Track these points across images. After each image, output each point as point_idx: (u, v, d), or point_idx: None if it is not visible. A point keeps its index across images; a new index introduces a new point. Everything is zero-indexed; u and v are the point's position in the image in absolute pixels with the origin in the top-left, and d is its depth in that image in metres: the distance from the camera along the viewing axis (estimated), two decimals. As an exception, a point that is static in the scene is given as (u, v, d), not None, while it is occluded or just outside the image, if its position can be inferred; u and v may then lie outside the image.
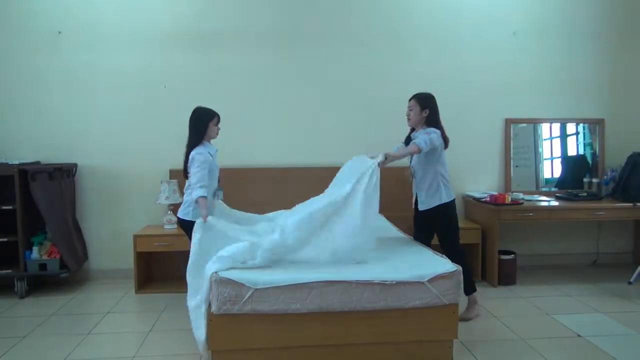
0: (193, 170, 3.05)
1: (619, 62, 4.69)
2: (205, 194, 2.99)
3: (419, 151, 3.11)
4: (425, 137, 3.13)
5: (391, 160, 3.07)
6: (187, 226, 3.11)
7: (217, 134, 3.28)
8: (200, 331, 2.62)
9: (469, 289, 3.35)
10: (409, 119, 3.36)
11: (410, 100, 3.35)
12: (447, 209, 3.31)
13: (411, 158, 3.40)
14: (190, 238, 3.08)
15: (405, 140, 3.47)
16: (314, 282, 2.56)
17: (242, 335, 2.58)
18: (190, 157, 3.09)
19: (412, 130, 3.41)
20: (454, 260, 3.00)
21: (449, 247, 3.32)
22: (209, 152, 3.14)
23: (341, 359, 2.68)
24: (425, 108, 3.24)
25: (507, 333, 3.19)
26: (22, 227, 3.84)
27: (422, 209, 3.34)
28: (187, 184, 3.16)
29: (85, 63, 4.24)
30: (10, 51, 4.18)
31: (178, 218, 3.20)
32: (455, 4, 4.51)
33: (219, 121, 3.24)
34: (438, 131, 3.21)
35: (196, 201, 2.99)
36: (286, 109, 4.44)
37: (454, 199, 3.34)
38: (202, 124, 3.17)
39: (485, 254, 4.21)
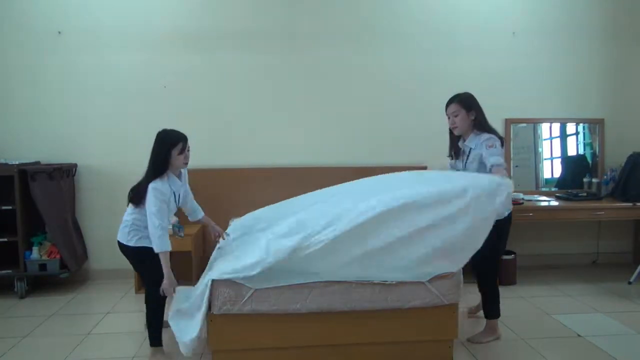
0: (150, 210, 2.64)
1: (619, 62, 4.69)
2: (169, 248, 2.65)
3: (504, 168, 2.78)
4: (492, 151, 2.78)
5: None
6: (127, 252, 2.83)
7: (186, 162, 2.82)
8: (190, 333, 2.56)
9: (492, 313, 3.05)
10: (455, 127, 2.96)
11: (449, 105, 2.98)
12: (508, 219, 2.91)
13: (465, 164, 3.02)
14: (132, 264, 2.92)
15: (454, 152, 3.11)
16: (314, 282, 2.56)
17: (242, 335, 2.58)
18: (147, 190, 2.67)
19: (458, 138, 3.05)
20: (486, 279, 2.96)
21: (490, 263, 2.99)
22: (172, 190, 2.76)
23: (341, 359, 2.68)
24: (471, 109, 2.90)
25: (507, 333, 3.18)
26: (22, 227, 3.84)
27: None
28: (130, 206, 2.81)
29: (85, 63, 4.23)
30: (10, 51, 4.18)
31: (118, 241, 2.86)
32: (455, 4, 4.50)
33: (184, 148, 2.75)
34: (493, 135, 2.86)
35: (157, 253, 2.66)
36: (286, 109, 4.44)
37: (510, 213, 2.92)
38: (162, 152, 2.72)
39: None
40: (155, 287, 2.81)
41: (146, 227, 2.74)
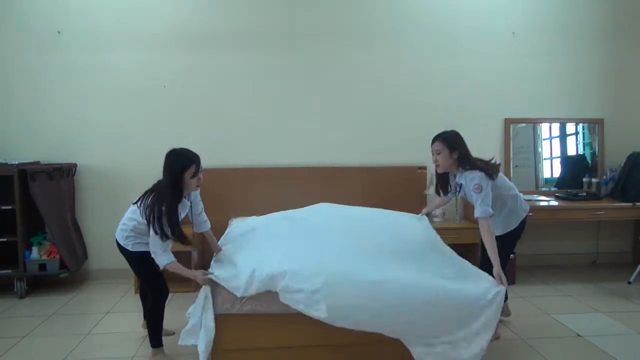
0: (154, 232, 2.54)
1: (619, 62, 4.69)
2: (171, 260, 2.61)
3: (489, 218, 2.77)
4: (478, 197, 2.77)
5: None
6: (124, 253, 2.79)
7: (199, 185, 2.67)
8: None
9: None
10: (437, 166, 2.95)
11: (434, 142, 2.94)
12: (518, 230, 3.07)
13: (458, 192, 3.05)
14: (129, 264, 2.85)
15: (441, 188, 3.12)
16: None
17: (242, 335, 2.58)
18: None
19: (443, 175, 3.06)
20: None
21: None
22: (179, 213, 2.65)
23: (341, 359, 2.68)
24: (455, 149, 2.87)
25: (507, 333, 3.19)
26: (21, 227, 3.84)
27: (501, 234, 3.01)
28: (134, 212, 2.71)
29: (85, 63, 4.23)
30: (10, 51, 4.18)
31: (116, 240, 2.81)
32: (455, 4, 4.51)
33: (198, 170, 2.60)
34: (479, 173, 2.81)
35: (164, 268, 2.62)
36: (286, 109, 4.43)
37: (523, 220, 3.06)
38: (174, 175, 2.55)
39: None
40: (151, 290, 2.83)
41: (145, 235, 2.70)
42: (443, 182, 3.10)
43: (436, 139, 2.94)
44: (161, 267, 2.62)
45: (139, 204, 2.69)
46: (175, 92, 4.32)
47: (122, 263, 2.90)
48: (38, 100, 4.23)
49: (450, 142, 2.88)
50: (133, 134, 4.30)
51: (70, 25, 4.21)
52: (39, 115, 4.23)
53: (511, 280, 4.17)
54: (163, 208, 2.53)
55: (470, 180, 2.83)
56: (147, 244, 2.72)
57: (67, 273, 3.99)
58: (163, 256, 2.59)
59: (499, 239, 2.84)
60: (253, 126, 4.41)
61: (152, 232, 2.56)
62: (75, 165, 4.24)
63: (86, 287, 4.19)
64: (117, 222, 2.86)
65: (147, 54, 4.27)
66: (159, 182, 2.67)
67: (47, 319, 3.47)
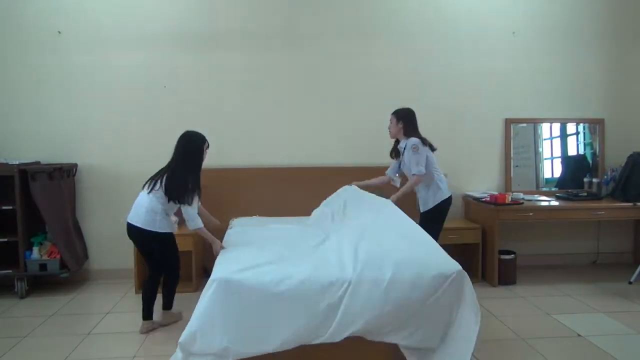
0: (190, 203, 3.00)
1: (619, 62, 4.69)
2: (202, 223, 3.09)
3: (422, 177, 3.43)
4: (415, 158, 3.41)
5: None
6: (151, 237, 3.06)
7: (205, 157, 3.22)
8: None
9: None
10: (389, 131, 3.66)
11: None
12: (445, 204, 3.54)
13: (400, 166, 3.68)
14: (153, 249, 3.12)
15: (392, 151, 3.72)
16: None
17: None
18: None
19: (396, 141, 3.69)
20: None
21: None
22: None
23: (341, 359, 2.68)
24: (400, 121, 3.56)
25: (507, 333, 3.19)
26: (22, 227, 3.84)
27: (424, 210, 3.56)
28: (159, 196, 3.05)
29: (85, 63, 4.24)
30: (10, 51, 4.18)
31: (139, 228, 3.03)
32: (455, 4, 4.51)
33: (208, 146, 3.19)
34: (417, 139, 3.45)
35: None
36: (286, 109, 4.44)
37: (450, 195, 3.58)
38: (198, 148, 3.11)
39: (485, 254, 4.21)
40: (172, 271, 3.22)
41: (168, 215, 3.11)
42: (394, 148, 3.71)
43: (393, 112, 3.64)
44: (195, 229, 3.03)
45: (157, 189, 3.04)
46: (175, 92, 4.32)
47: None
48: (38, 100, 4.23)
49: (398, 114, 3.58)
50: (133, 134, 4.30)
51: (70, 25, 4.21)
52: (40, 115, 4.23)
53: (511, 280, 4.18)
54: (194, 179, 3.01)
55: (409, 142, 3.47)
56: (169, 224, 3.12)
57: (68, 273, 3.99)
58: (196, 220, 3.02)
59: (429, 212, 3.50)
60: (253, 126, 4.41)
61: (183, 205, 2.98)
62: (75, 165, 4.25)
63: (87, 287, 4.19)
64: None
65: (147, 54, 4.28)
66: (171, 163, 3.09)
67: (48, 319, 3.47)
